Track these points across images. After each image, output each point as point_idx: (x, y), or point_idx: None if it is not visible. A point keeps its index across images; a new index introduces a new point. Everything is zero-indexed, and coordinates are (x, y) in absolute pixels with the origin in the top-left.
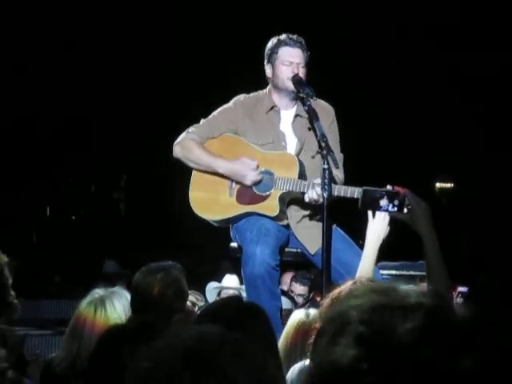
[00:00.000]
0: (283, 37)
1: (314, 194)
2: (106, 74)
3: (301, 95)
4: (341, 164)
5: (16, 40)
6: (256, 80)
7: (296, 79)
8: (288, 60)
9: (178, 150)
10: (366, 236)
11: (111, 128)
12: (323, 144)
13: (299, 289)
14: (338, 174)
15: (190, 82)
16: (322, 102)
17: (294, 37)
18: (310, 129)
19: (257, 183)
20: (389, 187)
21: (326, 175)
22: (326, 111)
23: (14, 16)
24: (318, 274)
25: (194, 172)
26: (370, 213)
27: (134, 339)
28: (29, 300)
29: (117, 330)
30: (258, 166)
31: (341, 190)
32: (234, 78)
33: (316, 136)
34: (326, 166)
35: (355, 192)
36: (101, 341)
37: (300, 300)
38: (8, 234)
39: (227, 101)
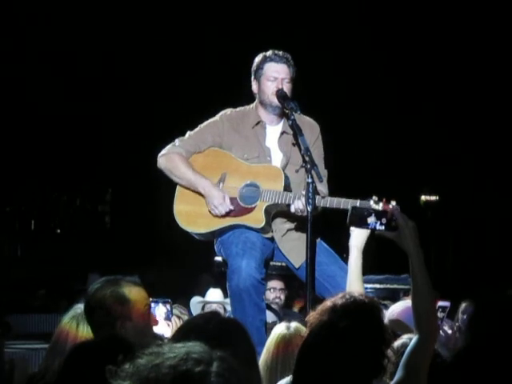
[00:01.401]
0: (269, 53)
1: (300, 204)
2: (93, 89)
3: (285, 110)
4: (325, 179)
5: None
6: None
7: (280, 94)
8: (273, 75)
9: (162, 162)
10: (349, 242)
11: (96, 141)
12: (307, 158)
13: (278, 283)
14: (322, 188)
15: (177, 97)
16: (308, 118)
17: (280, 53)
18: (294, 144)
19: (241, 197)
20: (374, 197)
21: (310, 189)
22: (311, 127)
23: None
24: (303, 286)
25: (178, 185)
26: None
27: (100, 355)
28: (13, 313)
29: (83, 345)
30: (230, 211)
31: (327, 202)
32: (221, 97)
33: (300, 150)
34: (309, 180)
35: (341, 202)
36: (68, 357)
37: (281, 295)
38: None
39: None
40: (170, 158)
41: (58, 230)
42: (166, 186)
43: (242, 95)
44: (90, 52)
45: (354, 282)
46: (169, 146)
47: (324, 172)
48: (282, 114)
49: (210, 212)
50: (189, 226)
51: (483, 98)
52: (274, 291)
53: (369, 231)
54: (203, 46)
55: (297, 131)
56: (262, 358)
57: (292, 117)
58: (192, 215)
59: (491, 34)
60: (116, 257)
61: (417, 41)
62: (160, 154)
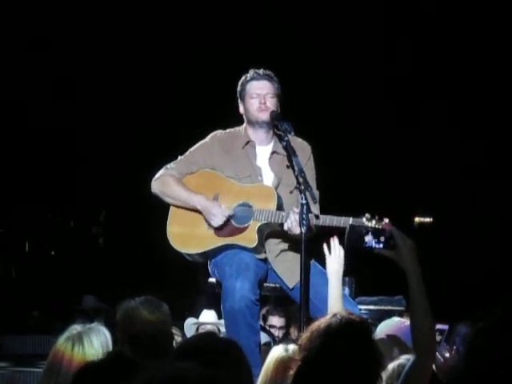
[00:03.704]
0: (250, 73)
1: (293, 221)
2: (85, 110)
3: (279, 132)
4: (317, 200)
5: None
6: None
7: (274, 115)
8: (256, 92)
9: (155, 186)
10: (326, 268)
11: (90, 163)
12: (301, 179)
13: (279, 321)
14: (315, 210)
15: (170, 119)
16: (299, 140)
17: (261, 71)
18: (288, 166)
19: (233, 217)
20: (367, 215)
21: (304, 210)
22: (302, 149)
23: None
24: (296, 308)
25: (171, 207)
26: (325, 250)
27: (109, 374)
28: (7, 335)
29: (92, 365)
30: (229, 217)
31: (320, 220)
32: (215, 120)
33: (294, 171)
34: (304, 201)
35: (334, 220)
36: (77, 376)
37: (280, 333)
38: None
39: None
40: (163, 180)
41: (52, 252)
42: (160, 207)
43: (230, 118)
44: (81, 76)
45: (334, 307)
46: (161, 170)
47: (316, 193)
48: (272, 133)
49: (206, 230)
50: (182, 247)
51: (477, 119)
52: (274, 329)
53: (342, 257)
54: (190, 71)
55: (291, 152)
56: (261, 381)
57: (286, 138)
58: (185, 236)
59: (484, 52)
60: (110, 278)
61: (413, 61)
62: (153, 179)
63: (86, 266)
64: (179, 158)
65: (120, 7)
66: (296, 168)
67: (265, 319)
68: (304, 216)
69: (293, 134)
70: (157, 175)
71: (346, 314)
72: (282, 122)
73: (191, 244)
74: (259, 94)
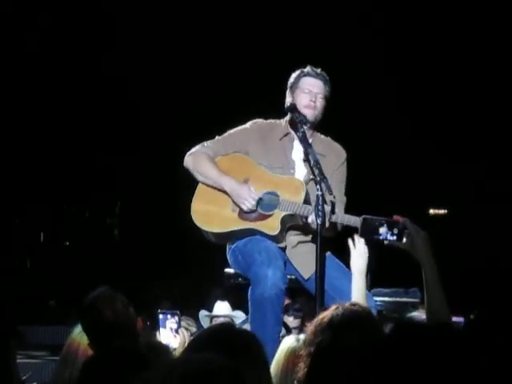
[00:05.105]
0: (307, 68)
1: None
2: (98, 101)
3: (297, 124)
4: (342, 206)
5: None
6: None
7: (289, 106)
8: (308, 88)
9: (189, 160)
10: (350, 266)
11: (105, 153)
12: (316, 171)
13: (294, 322)
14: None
15: (183, 111)
16: (337, 145)
17: (318, 70)
18: (305, 160)
19: (260, 203)
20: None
21: (320, 201)
22: (338, 153)
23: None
24: (308, 300)
25: (199, 185)
26: (350, 245)
27: (118, 364)
28: (23, 325)
29: (100, 355)
30: (258, 200)
31: (337, 217)
32: (233, 115)
33: (309, 163)
34: (319, 193)
35: (352, 220)
36: (85, 366)
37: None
38: (2, 259)
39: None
40: (197, 157)
41: (67, 243)
42: (177, 199)
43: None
44: (100, 61)
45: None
46: (197, 146)
47: (343, 198)
48: (312, 131)
49: (230, 212)
50: (204, 224)
51: (492, 112)
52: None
53: (367, 253)
54: (222, 61)
55: (306, 144)
56: (272, 370)
57: (301, 129)
58: (209, 215)
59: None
60: (125, 269)
61: (422, 56)
62: (188, 153)
63: (100, 257)
64: (216, 137)
65: (122, 6)
66: (311, 159)
67: None
68: (319, 207)
69: (308, 125)
70: (192, 150)
71: (348, 305)
72: (297, 113)
73: (213, 223)
74: (311, 90)
